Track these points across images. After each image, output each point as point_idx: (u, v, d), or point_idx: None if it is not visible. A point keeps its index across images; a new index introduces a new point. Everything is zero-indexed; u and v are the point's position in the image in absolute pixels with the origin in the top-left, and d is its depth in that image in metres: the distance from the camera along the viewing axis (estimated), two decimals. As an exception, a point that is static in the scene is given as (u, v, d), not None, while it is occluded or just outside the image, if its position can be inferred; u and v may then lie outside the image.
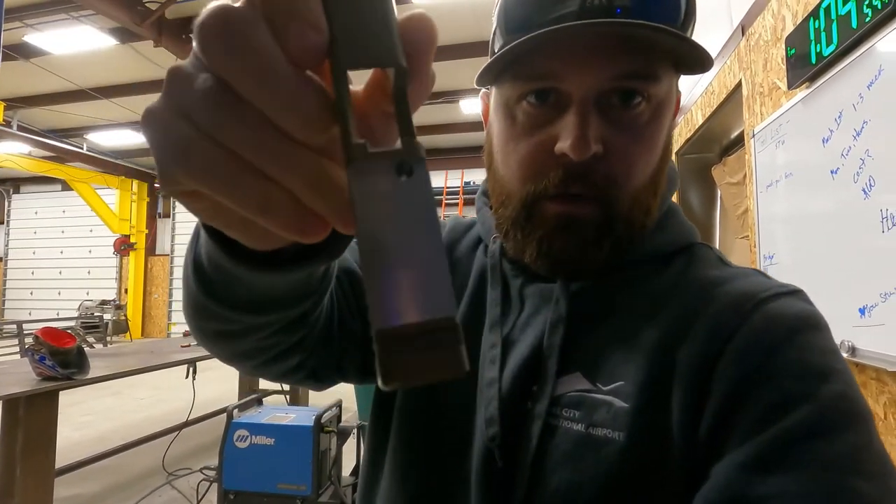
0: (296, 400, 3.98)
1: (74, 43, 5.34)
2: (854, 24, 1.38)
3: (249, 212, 0.18)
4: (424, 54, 0.18)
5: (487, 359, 0.44)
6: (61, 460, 2.34)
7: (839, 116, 1.49)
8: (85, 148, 8.42)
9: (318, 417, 2.15)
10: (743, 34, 2.32)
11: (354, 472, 2.37)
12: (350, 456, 2.36)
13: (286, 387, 3.75)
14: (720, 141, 3.29)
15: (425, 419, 0.45)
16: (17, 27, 5.06)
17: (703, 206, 3.30)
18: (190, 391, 3.14)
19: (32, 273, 10.90)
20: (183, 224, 10.13)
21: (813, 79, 1.65)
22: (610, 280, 0.43)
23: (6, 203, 11.13)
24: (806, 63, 1.66)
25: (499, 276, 0.47)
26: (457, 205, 8.10)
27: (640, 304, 0.41)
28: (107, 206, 9.46)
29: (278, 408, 2.47)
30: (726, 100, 2.65)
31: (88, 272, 10.63)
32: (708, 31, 2.52)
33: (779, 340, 0.35)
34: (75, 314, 8.53)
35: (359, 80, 0.19)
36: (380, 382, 0.15)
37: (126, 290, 10.20)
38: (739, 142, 2.86)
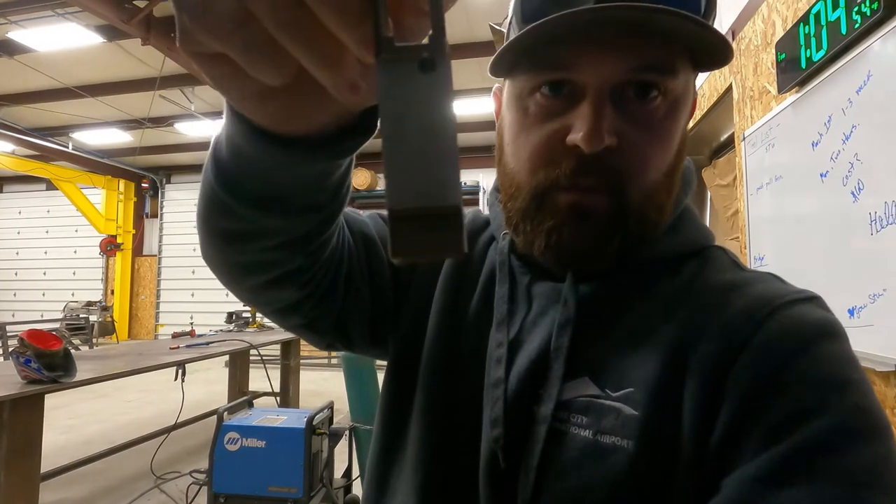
0: (287, 402, 3.95)
1: (60, 40, 5.25)
2: (843, 30, 1.40)
3: (259, 76, 0.19)
4: None
5: (494, 358, 0.43)
6: (47, 464, 2.30)
7: (828, 120, 1.52)
8: (70, 147, 8.28)
9: (310, 419, 2.13)
10: (733, 38, 2.35)
11: (346, 474, 2.36)
12: (342, 458, 2.35)
13: (277, 388, 3.72)
14: (710, 143, 3.32)
15: (439, 414, 0.45)
16: (1, 24, 4.96)
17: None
18: (178, 393, 3.10)
19: (16, 274, 10.69)
20: (171, 224, 10.01)
21: (802, 83, 1.67)
22: (620, 282, 0.42)
23: (-11, 202, 10.92)
24: (796, 68, 1.68)
25: (507, 273, 0.46)
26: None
27: (651, 308, 0.40)
28: (93, 206, 9.31)
29: (269, 410, 2.44)
30: (717, 103, 2.68)
31: (74, 273, 10.46)
32: (698, 35, 2.55)
33: (794, 349, 0.34)
34: (60, 316, 8.38)
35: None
36: (390, 255, 0.17)
37: (112, 292, 10.05)
38: (729, 144, 2.89)
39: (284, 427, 2.14)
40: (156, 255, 10.08)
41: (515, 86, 0.41)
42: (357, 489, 2.30)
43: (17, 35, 5.18)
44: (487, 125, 7.25)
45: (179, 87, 6.22)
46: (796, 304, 0.37)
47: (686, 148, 0.42)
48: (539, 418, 0.39)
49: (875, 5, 1.26)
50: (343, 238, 0.46)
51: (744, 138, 2.19)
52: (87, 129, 7.79)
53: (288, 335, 4.03)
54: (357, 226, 0.50)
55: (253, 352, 3.48)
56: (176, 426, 3.12)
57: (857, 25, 1.34)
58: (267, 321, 5.04)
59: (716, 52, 0.37)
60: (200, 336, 3.88)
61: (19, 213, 10.78)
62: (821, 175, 1.56)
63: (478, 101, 6.49)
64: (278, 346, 4.05)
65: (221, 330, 4.61)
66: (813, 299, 0.38)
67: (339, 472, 2.38)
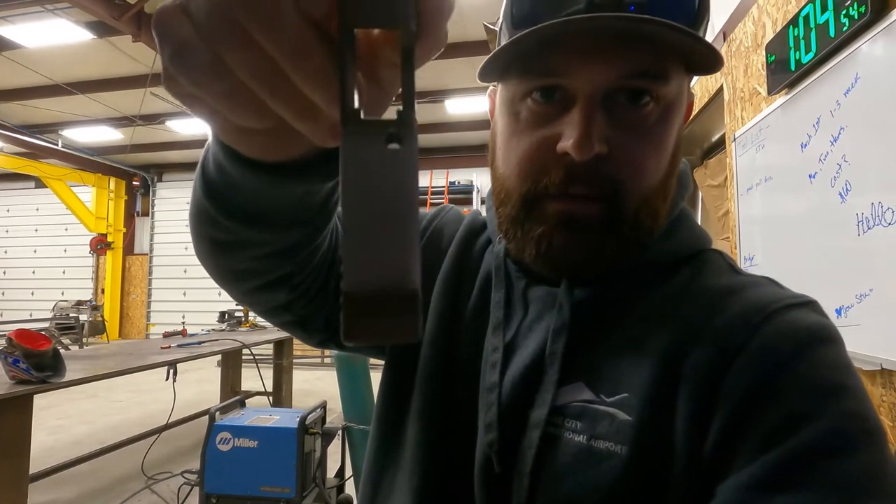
0: (279, 401, 3.93)
1: (49, 36, 5.19)
2: (832, 33, 1.42)
3: (240, 123, 0.19)
4: (437, 16, 0.17)
5: (489, 363, 0.43)
6: (35, 466, 2.27)
7: (817, 122, 1.53)
8: (60, 144, 8.19)
9: (303, 419, 2.13)
10: (724, 40, 2.37)
11: (339, 474, 2.35)
12: (335, 457, 2.34)
13: (269, 388, 3.70)
14: (702, 144, 3.35)
15: (435, 416, 0.45)
16: (-11, 19, 4.90)
17: (684, 208, 3.35)
18: (170, 393, 3.08)
19: (4, 273, 10.55)
20: (162, 223, 9.92)
21: (792, 85, 1.69)
22: (616, 286, 0.42)
23: (-24, 200, 10.77)
24: (785, 69, 1.70)
25: (502, 278, 0.46)
26: (441, 205, 8.06)
27: (647, 313, 0.40)
28: (83, 204, 9.21)
29: (262, 409, 2.43)
30: (708, 104, 2.70)
31: (63, 272, 10.34)
32: (690, 37, 2.57)
33: (789, 355, 0.33)
34: (49, 315, 8.29)
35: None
36: (342, 338, 0.17)
37: (103, 291, 9.95)
38: (720, 145, 2.92)
39: (277, 427, 2.13)
40: (147, 254, 10.00)
41: (507, 90, 0.41)
42: (350, 489, 2.30)
43: (6, 31, 5.11)
44: (481, 124, 7.26)
45: (171, 85, 6.16)
46: (792, 308, 0.36)
47: (681, 151, 0.42)
48: (533, 423, 0.39)
49: (863, 8, 1.27)
50: (336, 238, 0.46)
51: (734, 139, 2.21)
52: (77, 127, 7.70)
53: (281, 335, 4.02)
54: None
55: (245, 351, 3.46)
56: (167, 426, 3.10)
57: (845, 28, 1.35)
58: (259, 320, 5.04)
59: (705, 62, 0.37)
60: (192, 335, 3.86)
61: (8, 211, 10.64)
62: (809, 176, 1.58)
63: (471, 100, 6.50)
64: (271, 346, 4.03)
65: (213, 329, 4.58)
66: (808, 304, 0.38)
67: (331, 471, 2.38)
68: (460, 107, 6.75)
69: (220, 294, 8.49)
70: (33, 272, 10.45)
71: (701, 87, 2.76)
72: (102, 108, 6.92)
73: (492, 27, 0.49)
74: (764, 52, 1.88)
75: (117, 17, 4.62)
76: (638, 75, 0.36)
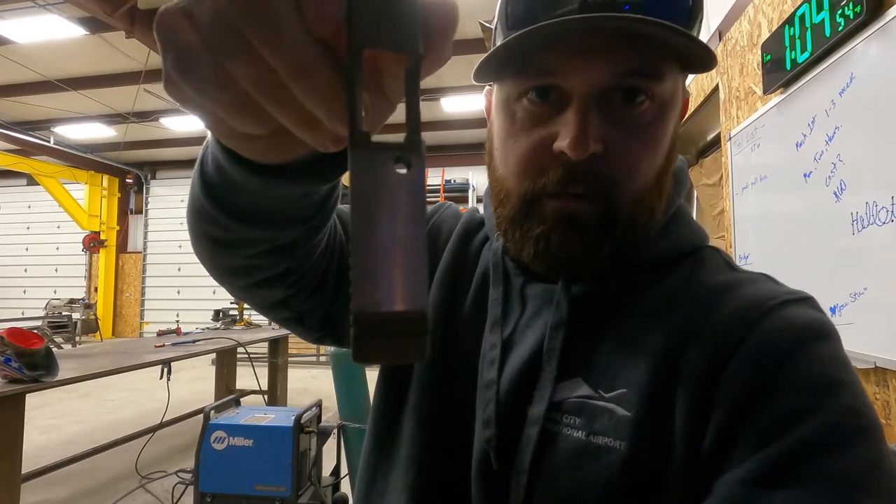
0: (274, 400, 3.92)
1: (41, 32, 5.13)
2: (827, 33, 1.42)
3: (243, 130, 0.20)
4: (442, 38, 0.18)
5: (487, 360, 0.43)
6: (28, 465, 2.25)
7: (812, 122, 1.54)
8: (52, 141, 8.10)
9: (298, 418, 2.12)
10: (720, 39, 2.38)
11: (335, 473, 2.35)
12: (330, 456, 2.34)
13: (264, 387, 3.69)
14: (697, 143, 3.36)
15: (432, 413, 0.45)
16: (-20, 14, 4.84)
17: (679, 207, 3.37)
18: (164, 392, 3.06)
19: (-5, 271, 10.47)
20: (156, 221, 9.86)
21: (787, 84, 1.70)
22: (613, 284, 0.42)
23: (-33, 197, 10.65)
24: (781, 69, 1.70)
25: (500, 275, 0.46)
26: (437, 203, 8.06)
27: (644, 309, 0.40)
28: (75, 202, 9.13)
29: (256, 408, 2.42)
30: (703, 103, 2.71)
31: (56, 270, 10.26)
32: (686, 36, 2.58)
33: (786, 351, 0.34)
34: (42, 314, 8.22)
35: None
36: (352, 357, 0.17)
37: (96, 289, 9.88)
38: (716, 144, 2.93)
39: (272, 426, 2.13)
40: (140, 252, 9.93)
41: (503, 90, 0.41)
42: (345, 487, 2.30)
43: (-3, 26, 5.06)
44: (477, 122, 7.25)
45: (165, 82, 6.12)
46: (789, 304, 0.37)
47: (677, 149, 0.42)
48: (531, 419, 0.39)
49: (858, 8, 1.28)
50: (335, 235, 0.46)
51: (730, 138, 2.22)
52: (70, 124, 7.63)
53: (276, 333, 4.01)
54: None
55: (240, 350, 3.45)
56: (161, 425, 3.08)
57: (840, 28, 1.36)
58: (254, 319, 5.02)
59: (700, 61, 0.37)
60: (186, 334, 3.84)
61: (-1, 208, 10.56)
62: (804, 175, 1.59)
63: (468, 99, 6.49)
64: (266, 344, 4.01)
65: (208, 328, 4.56)
66: (805, 300, 0.38)
67: (327, 470, 2.37)
68: (456, 105, 6.74)
69: (214, 292, 8.46)
70: (25, 270, 10.36)
71: (696, 85, 2.77)
72: (95, 104, 6.86)
73: (488, 25, 0.48)
74: (759, 52, 1.89)
75: (110, 12, 4.57)
76: (632, 74, 0.37)
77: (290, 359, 4.42)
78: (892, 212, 1.19)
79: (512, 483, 0.38)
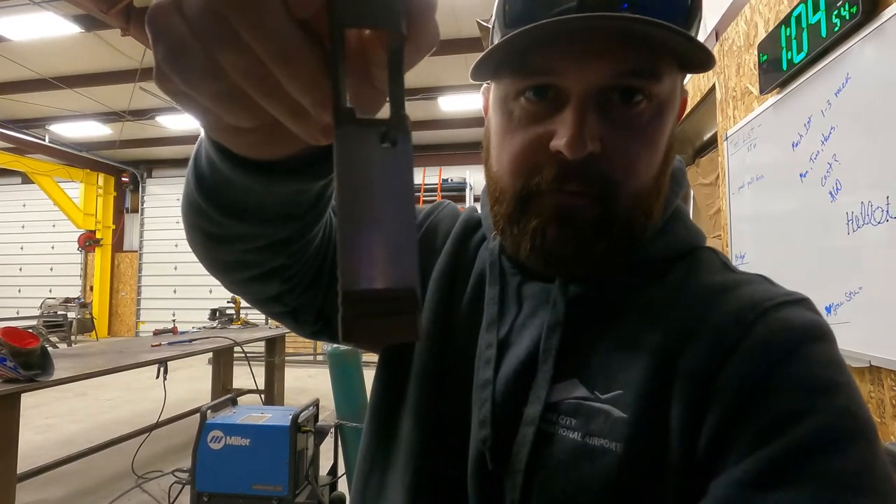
0: (271, 399, 3.92)
1: (36, 30, 5.10)
2: (823, 33, 1.43)
3: (233, 122, 0.20)
4: (424, 13, 0.18)
5: (483, 359, 0.43)
6: (24, 465, 2.24)
7: (808, 122, 1.55)
8: (47, 139, 8.06)
9: (295, 417, 2.12)
10: (717, 39, 2.38)
11: (332, 472, 2.35)
12: (327, 455, 2.34)
13: (261, 386, 3.68)
14: (694, 143, 3.37)
15: (429, 413, 0.45)
16: (-26, 11, 4.81)
17: (676, 207, 3.38)
18: (160, 392, 3.05)
19: (-10, 270, 10.41)
20: (152, 220, 9.82)
21: (784, 85, 1.70)
22: (610, 284, 0.42)
23: (-39, 196, 10.58)
24: (777, 69, 1.71)
25: (497, 274, 0.46)
26: (434, 202, 8.05)
27: (641, 310, 0.40)
28: (70, 201, 9.08)
29: (253, 407, 2.42)
30: (700, 103, 2.71)
31: (51, 269, 10.20)
32: (683, 35, 2.59)
33: (782, 353, 0.34)
34: (37, 313, 8.18)
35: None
36: (340, 337, 0.16)
37: (91, 288, 9.84)
38: (712, 144, 2.94)
39: (269, 425, 2.12)
40: (136, 251, 9.89)
41: (500, 89, 0.41)
42: (343, 486, 2.29)
43: (-9, 23, 5.02)
44: (474, 121, 7.25)
45: (161, 80, 6.08)
46: (785, 306, 0.37)
47: (674, 149, 0.42)
48: (527, 420, 0.39)
49: (854, 9, 1.29)
50: (329, 230, 0.46)
51: (726, 138, 2.23)
52: (65, 122, 7.59)
53: (273, 332, 4.00)
54: None
55: (237, 349, 3.44)
56: (158, 425, 3.07)
57: (836, 29, 1.36)
58: (251, 318, 5.01)
59: (698, 61, 0.37)
60: (183, 333, 3.83)
61: (-7, 207, 10.49)
62: (800, 175, 1.60)
63: (465, 97, 6.49)
64: (263, 344, 4.01)
65: (205, 327, 4.54)
66: (801, 301, 0.38)
67: (324, 469, 2.37)
68: (453, 104, 6.74)
69: (211, 292, 8.43)
70: (20, 269, 10.30)
71: (693, 85, 2.77)
72: (91, 102, 6.82)
73: (485, 24, 0.48)
74: (756, 52, 1.89)
75: (105, 10, 4.55)
76: (630, 74, 0.36)
77: (287, 358, 4.42)
78: (888, 211, 1.20)
79: (507, 484, 0.38)
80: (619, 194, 0.38)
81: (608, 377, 0.38)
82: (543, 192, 0.38)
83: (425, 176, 8.16)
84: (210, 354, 4.06)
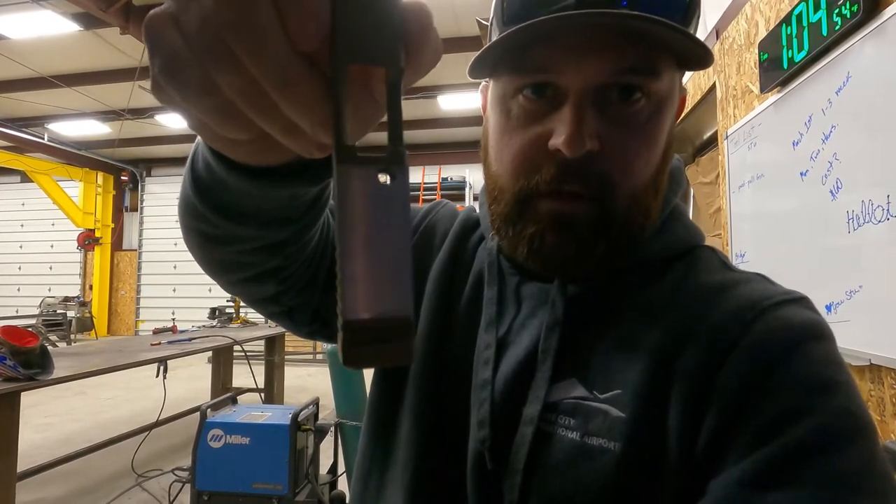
0: (271, 398, 3.92)
1: (35, 28, 5.09)
2: (824, 32, 1.43)
3: (228, 135, 0.20)
4: (418, 52, 0.18)
5: (482, 359, 0.43)
6: (23, 464, 2.24)
7: (809, 120, 1.55)
8: (46, 138, 8.04)
9: (295, 416, 2.12)
10: (717, 38, 2.38)
11: (332, 471, 2.35)
12: (327, 454, 2.34)
13: (261, 385, 3.68)
14: (694, 142, 3.37)
15: (428, 413, 0.45)
16: (-28, 9, 4.79)
17: (676, 205, 3.39)
18: (159, 391, 3.05)
19: (-11, 268, 10.40)
20: (151, 218, 9.81)
21: (784, 83, 1.70)
22: (609, 284, 0.42)
23: (-40, 195, 10.56)
24: (778, 67, 1.71)
25: (495, 274, 0.46)
26: (435, 200, 8.04)
27: (640, 310, 0.40)
28: (70, 199, 9.07)
29: (253, 406, 2.42)
30: (700, 101, 2.71)
31: (50, 268, 10.19)
32: (683, 34, 2.58)
33: (781, 352, 0.34)
34: (36, 312, 8.17)
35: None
36: (342, 362, 0.18)
37: (91, 287, 9.83)
38: (712, 143, 2.94)
39: (269, 423, 2.12)
40: (136, 250, 9.89)
41: (499, 87, 0.41)
42: (343, 485, 2.30)
43: (-11, 22, 5.01)
44: (474, 120, 7.24)
45: (160, 78, 6.07)
46: (783, 305, 0.36)
47: (673, 148, 0.42)
48: (526, 420, 0.39)
49: (855, 7, 1.28)
50: (327, 231, 0.46)
51: (726, 137, 2.22)
52: (64, 120, 7.58)
53: (272, 331, 4.00)
54: None
55: (237, 348, 3.44)
56: (157, 423, 3.07)
57: (837, 27, 1.36)
58: (251, 317, 5.00)
59: (697, 58, 0.37)
60: (182, 332, 3.82)
61: (-8, 205, 10.47)
62: (801, 174, 1.59)
63: (464, 96, 6.48)
64: (262, 342, 4.01)
65: (204, 326, 4.54)
66: (800, 300, 0.38)
67: (324, 468, 2.37)
68: (453, 102, 6.73)
69: (210, 290, 8.43)
70: (19, 268, 10.29)
71: (693, 84, 2.77)
72: (89, 101, 6.81)
73: (485, 23, 0.48)
74: (757, 50, 1.89)
75: (104, 8, 4.54)
76: (629, 71, 0.36)
77: (286, 357, 4.42)
78: (888, 210, 1.20)
79: (506, 484, 0.38)
80: (617, 194, 0.38)
81: (607, 377, 0.38)
82: (541, 194, 0.38)
83: (425, 175, 8.16)
84: (210, 353, 4.05)
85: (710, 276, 0.41)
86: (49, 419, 4.20)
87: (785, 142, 1.68)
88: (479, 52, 0.38)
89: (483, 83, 0.47)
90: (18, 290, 10.20)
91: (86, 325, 8.55)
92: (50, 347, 2.25)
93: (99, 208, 9.62)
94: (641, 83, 0.37)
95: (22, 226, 10.33)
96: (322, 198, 0.36)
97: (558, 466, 0.37)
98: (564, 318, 0.41)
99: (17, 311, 8.50)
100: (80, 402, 4.80)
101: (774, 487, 0.30)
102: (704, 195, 3.09)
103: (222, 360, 4.01)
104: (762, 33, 1.88)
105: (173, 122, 7.45)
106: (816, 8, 1.46)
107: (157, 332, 3.82)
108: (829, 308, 1.41)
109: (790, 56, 1.61)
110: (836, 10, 1.36)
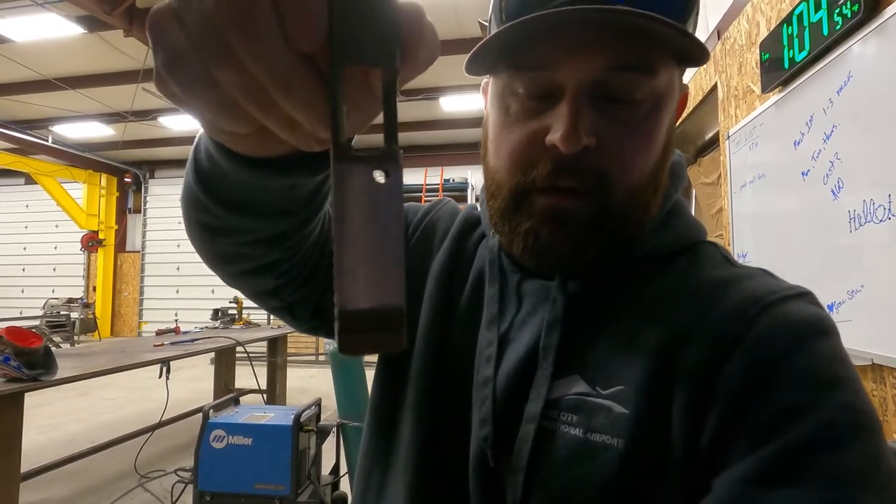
0: (273, 399, 3.92)
1: (39, 31, 5.12)
2: (825, 31, 1.43)
3: (229, 128, 0.21)
4: (413, 52, 0.19)
5: (483, 357, 0.43)
6: (27, 464, 2.25)
7: (810, 120, 1.54)
8: (50, 140, 8.08)
9: (297, 416, 2.12)
10: (719, 38, 2.38)
11: (334, 471, 2.35)
12: (329, 455, 2.34)
13: (263, 386, 3.69)
14: (695, 142, 3.37)
15: (429, 411, 0.45)
16: (-23, 12, 4.82)
17: (678, 206, 3.38)
18: (162, 391, 3.06)
19: (-7, 270, 10.44)
20: (154, 220, 9.84)
21: (786, 83, 1.70)
22: (610, 280, 0.42)
23: (-36, 197, 10.62)
24: (779, 67, 1.71)
25: (497, 272, 0.46)
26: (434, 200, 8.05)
27: (642, 306, 0.40)
28: (73, 201, 9.10)
29: (256, 407, 2.42)
30: (702, 102, 2.71)
31: (54, 269, 10.23)
32: (685, 34, 2.58)
33: (785, 347, 0.33)
34: (40, 313, 8.20)
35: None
36: (338, 350, 0.19)
37: (94, 288, 9.86)
38: (714, 143, 2.93)
39: (271, 424, 2.13)
40: (139, 252, 9.91)
41: (497, 83, 0.41)
42: (345, 486, 2.30)
43: (-6, 25, 5.04)
44: (476, 122, 7.24)
45: (163, 81, 6.09)
46: (788, 300, 0.36)
47: (673, 144, 0.42)
48: (528, 417, 0.39)
49: (856, 7, 1.28)
50: (326, 231, 0.46)
51: (728, 137, 2.22)
52: (68, 123, 7.61)
53: (275, 332, 4.00)
54: None
55: (239, 349, 3.45)
56: (160, 424, 3.08)
57: (838, 27, 1.36)
58: (253, 318, 5.01)
59: (692, 55, 0.37)
60: (185, 333, 3.83)
61: (-3, 207, 10.52)
62: (802, 174, 1.59)
63: (466, 97, 6.48)
64: (265, 344, 4.01)
65: (207, 327, 4.55)
66: (804, 295, 0.38)
67: (326, 468, 2.37)
68: (455, 104, 6.73)
69: (213, 291, 8.45)
70: (23, 270, 10.33)
71: (695, 84, 2.77)
72: (93, 103, 6.84)
73: (485, 23, 0.48)
74: (758, 50, 1.89)
75: (108, 11, 4.56)
76: (625, 68, 0.36)
77: (289, 358, 4.42)
78: (890, 210, 1.20)
79: (509, 482, 0.38)
80: (615, 190, 0.38)
81: (609, 373, 0.38)
82: (538, 190, 0.38)
83: (427, 176, 8.17)
84: (212, 354, 4.07)
85: (713, 272, 0.41)
86: (53, 420, 4.22)
87: (786, 142, 1.68)
88: (475, 48, 0.38)
89: (484, 81, 0.47)
90: (22, 291, 10.24)
91: (89, 326, 8.59)
92: (53, 348, 2.26)
93: (102, 210, 9.65)
94: (638, 79, 0.37)
95: (26, 227, 10.37)
96: (321, 191, 0.36)
97: (561, 463, 0.37)
98: (565, 314, 0.41)
99: (21, 313, 8.53)
100: (83, 402, 4.81)
101: (779, 485, 0.29)
102: (706, 195, 3.09)
103: (225, 361, 4.02)
104: (763, 33, 1.88)
105: (177, 124, 7.48)
106: (817, 8, 1.46)
107: (160, 333, 3.84)
108: (830, 308, 1.41)
109: (791, 56, 1.61)
110: (837, 10, 1.36)
